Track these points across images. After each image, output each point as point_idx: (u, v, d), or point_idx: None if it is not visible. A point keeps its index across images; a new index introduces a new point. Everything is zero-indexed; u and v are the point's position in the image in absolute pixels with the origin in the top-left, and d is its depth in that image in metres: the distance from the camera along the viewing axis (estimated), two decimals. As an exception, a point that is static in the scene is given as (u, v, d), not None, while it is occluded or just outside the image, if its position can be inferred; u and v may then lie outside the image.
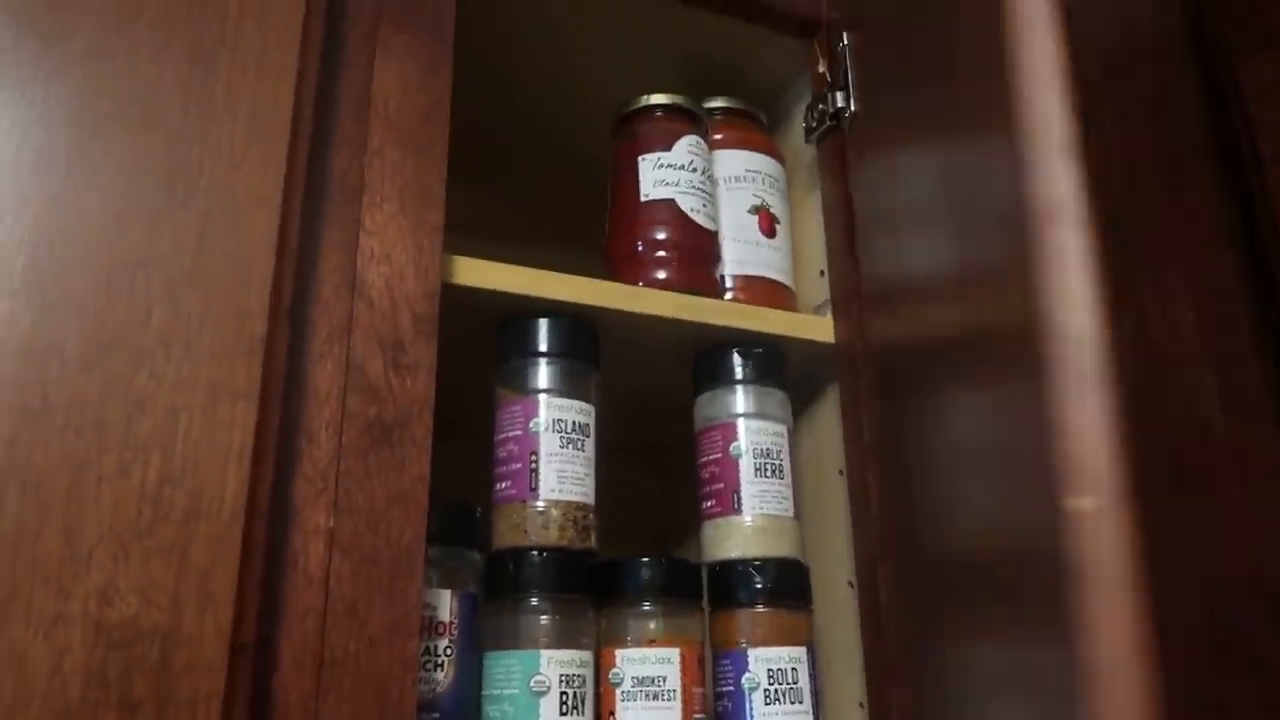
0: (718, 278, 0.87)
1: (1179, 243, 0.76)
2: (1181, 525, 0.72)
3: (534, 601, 0.69)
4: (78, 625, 0.49)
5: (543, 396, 0.73)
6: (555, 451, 0.71)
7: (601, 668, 0.71)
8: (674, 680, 0.69)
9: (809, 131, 0.92)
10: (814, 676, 0.75)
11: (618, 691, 0.70)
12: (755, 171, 0.92)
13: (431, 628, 0.68)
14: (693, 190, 0.85)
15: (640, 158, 0.86)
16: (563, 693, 0.66)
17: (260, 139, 0.62)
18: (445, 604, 0.69)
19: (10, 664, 0.48)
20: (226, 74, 0.62)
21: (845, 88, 0.85)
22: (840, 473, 0.83)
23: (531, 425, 0.72)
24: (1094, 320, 0.44)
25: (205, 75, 0.62)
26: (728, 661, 0.74)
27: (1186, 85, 0.86)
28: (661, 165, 0.85)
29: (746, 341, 0.83)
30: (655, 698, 0.69)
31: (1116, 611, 0.40)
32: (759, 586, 0.76)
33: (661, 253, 0.83)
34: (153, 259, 0.56)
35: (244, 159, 0.61)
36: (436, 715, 0.66)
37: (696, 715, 0.71)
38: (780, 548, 0.77)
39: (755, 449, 0.79)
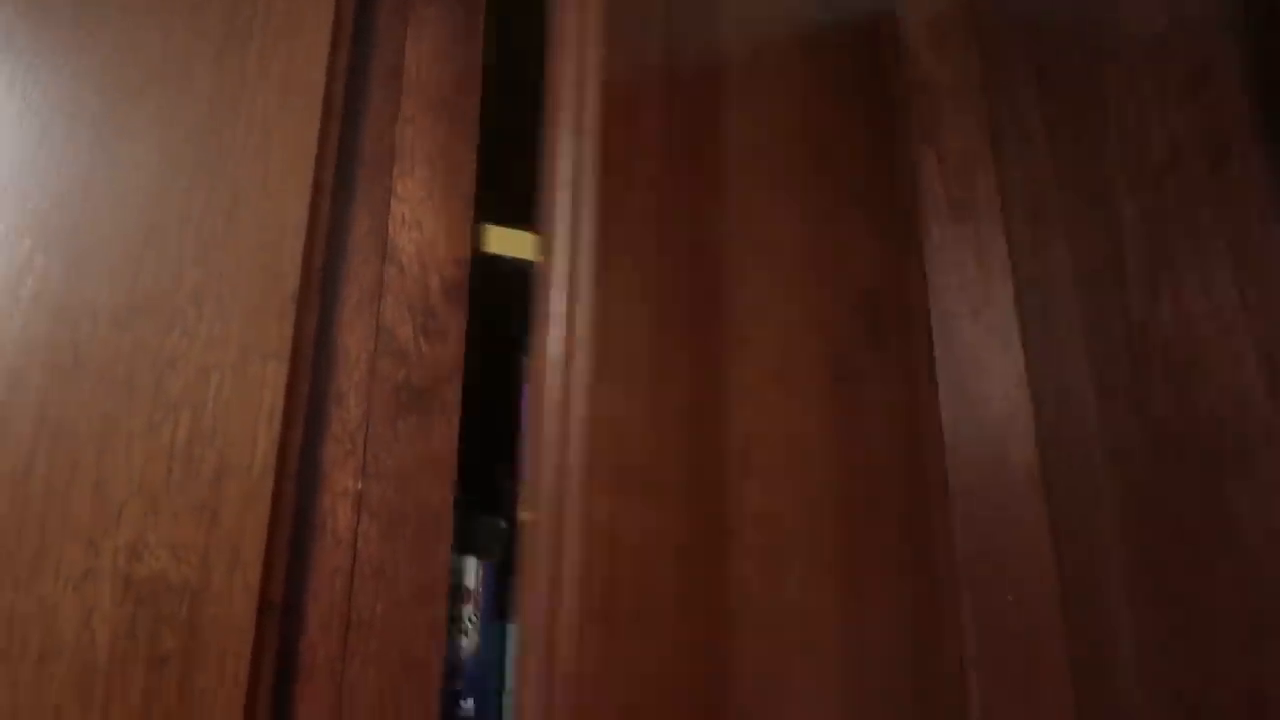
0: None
1: (1222, 218, 0.74)
2: (1215, 501, 0.71)
3: (561, 572, 0.69)
4: (107, 580, 0.50)
5: (571, 367, 0.73)
6: (583, 422, 0.71)
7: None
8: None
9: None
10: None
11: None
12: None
13: (457, 594, 0.68)
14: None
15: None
16: (588, 663, 0.66)
17: (293, 106, 0.62)
18: (472, 571, 0.69)
19: (40, 618, 0.48)
20: (259, 42, 0.63)
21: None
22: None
23: (560, 396, 0.72)
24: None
25: (239, 43, 0.62)
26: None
27: (1232, 57, 0.83)
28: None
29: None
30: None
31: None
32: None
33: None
34: (187, 219, 0.57)
35: (276, 125, 0.61)
36: (460, 681, 0.66)
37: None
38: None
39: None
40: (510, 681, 0.67)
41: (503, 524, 0.73)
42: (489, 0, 0.75)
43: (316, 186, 0.61)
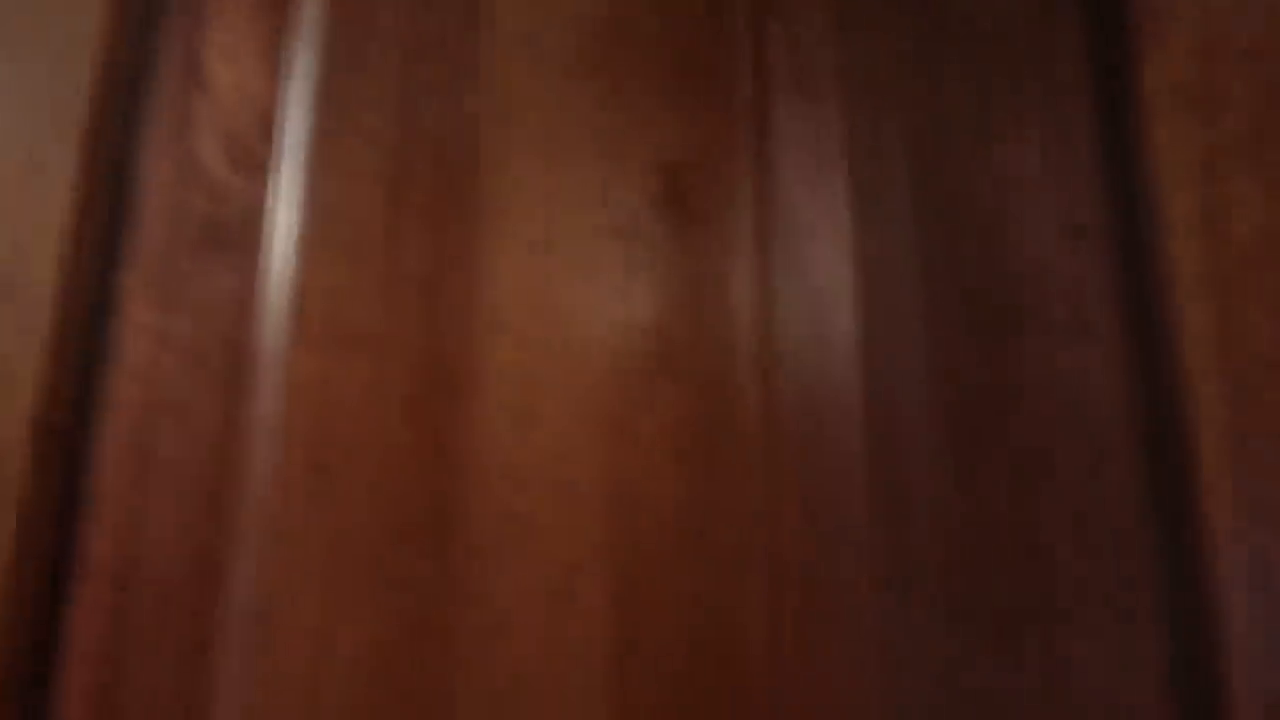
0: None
1: (1038, 90, 0.76)
2: (1013, 359, 0.74)
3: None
4: None
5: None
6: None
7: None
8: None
9: None
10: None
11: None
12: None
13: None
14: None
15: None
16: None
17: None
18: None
19: None
20: None
21: None
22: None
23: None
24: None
25: None
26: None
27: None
28: None
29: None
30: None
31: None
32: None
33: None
34: (-38, 21, 0.52)
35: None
36: (276, 530, 0.65)
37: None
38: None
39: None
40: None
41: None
42: None
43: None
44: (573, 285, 0.66)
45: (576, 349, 0.65)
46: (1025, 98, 0.75)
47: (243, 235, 0.59)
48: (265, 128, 0.61)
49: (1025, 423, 0.69)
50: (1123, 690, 0.63)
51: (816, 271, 0.78)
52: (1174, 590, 0.63)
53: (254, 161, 0.61)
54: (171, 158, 0.59)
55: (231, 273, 0.59)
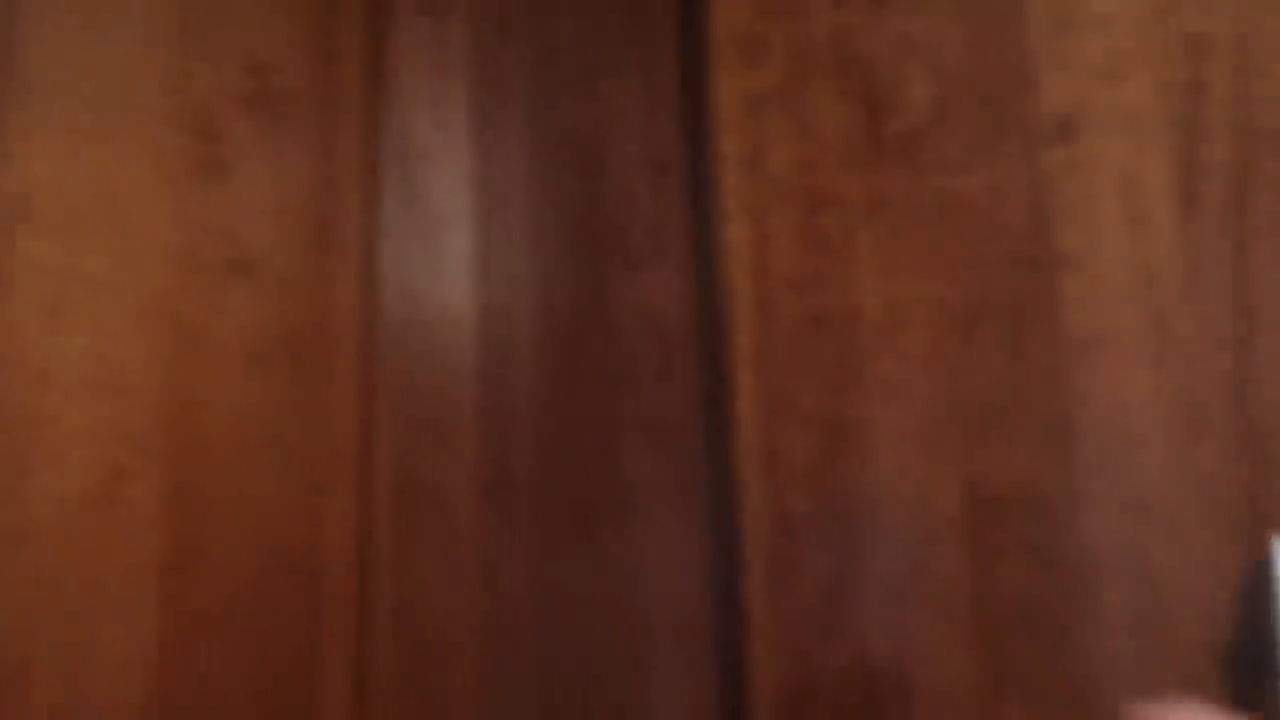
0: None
1: (635, 37, 0.82)
2: (607, 288, 0.80)
3: None
4: None
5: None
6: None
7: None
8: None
9: None
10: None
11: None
12: None
13: None
14: None
15: None
16: None
17: None
18: None
19: None
20: None
21: None
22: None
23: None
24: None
25: None
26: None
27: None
28: None
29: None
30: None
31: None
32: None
33: None
34: None
35: None
36: None
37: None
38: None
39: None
40: None
41: None
42: None
43: None
44: (132, 178, 0.62)
45: (135, 246, 0.62)
46: (626, 39, 0.80)
47: None
48: None
49: (611, 338, 0.75)
50: (678, 580, 0.72)
51: (432, 194, 0.79)
52: (715, 486, 0.71)
53: None
54: None
55: None
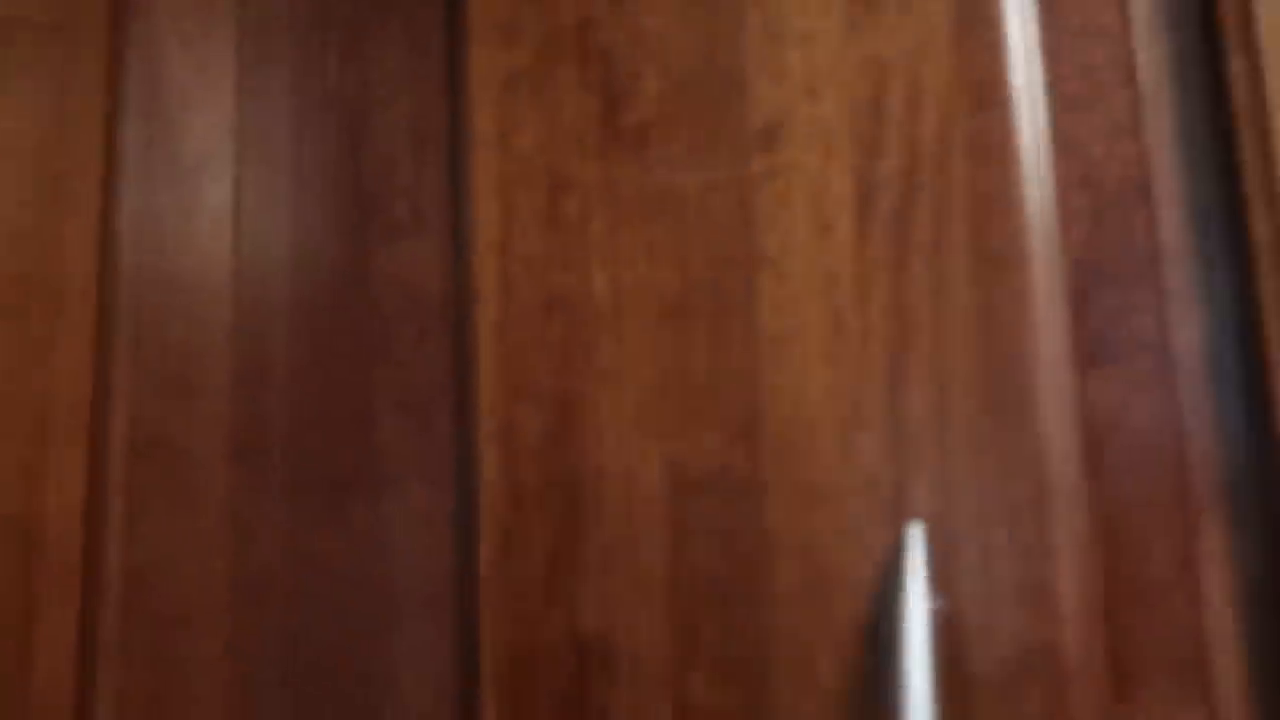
0: None
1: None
2: (368, 257, 0.80)
3: None
4: None
5: None
6: None
7: None
8: None
9: None
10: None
11: None
12: None
13: None
14: None
15: None
16: None
17: None
18: None
19: None
20: None
21: None
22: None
23: None
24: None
25: None
26: None
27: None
28: None
29: None
30: None
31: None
32: None
33: None
34: None
35: None
36: None
37: None
38: None
39: None
40: None
41: None
42: None
43: None
44: None
45: None
46: (395, 2, 0.79)
47: None
48: None
49: (370, 307, 0.75)
50: (427, 550, 0.73)
51: (186, 141, 0.77)
52: (461, 460, 0.73)
53: None
54: None
55: None
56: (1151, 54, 0.43)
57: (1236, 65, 0.39)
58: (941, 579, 0.48)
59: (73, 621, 0.68)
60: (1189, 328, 0.43)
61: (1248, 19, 0.39)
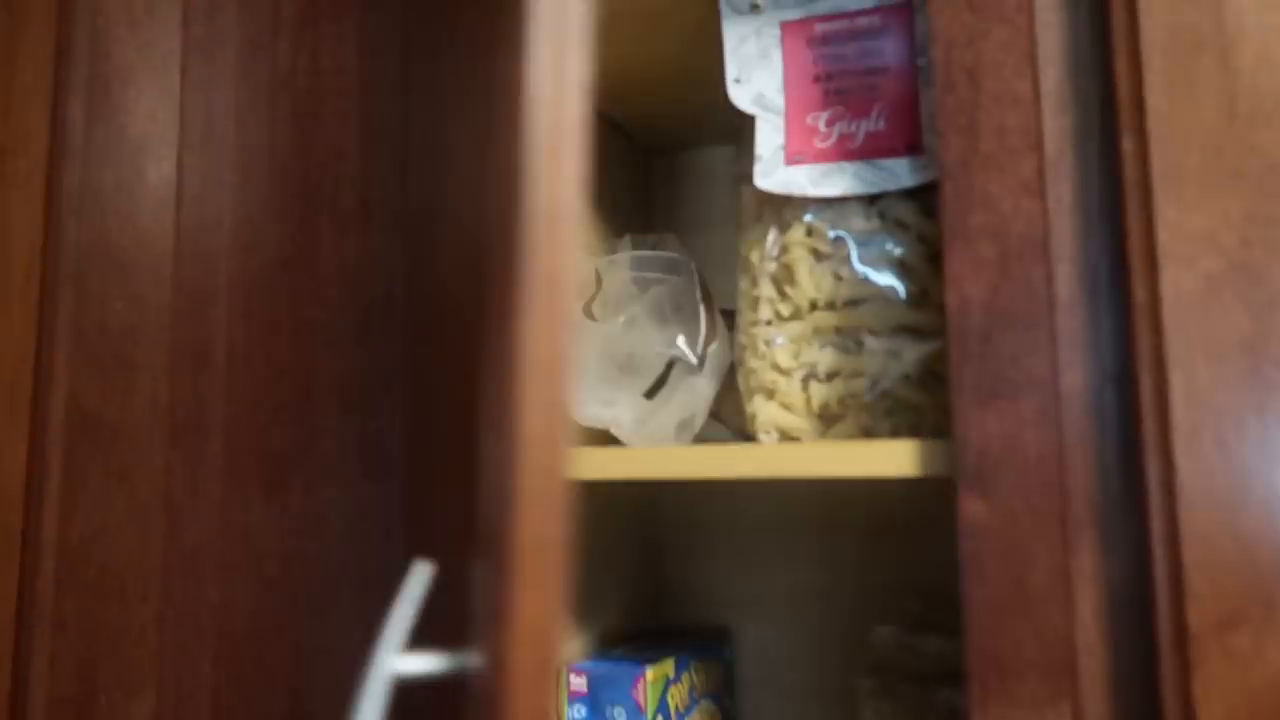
0: None
1: None
2: (317, 232, 0.82)
3: None
4: None
5: None
6: None
7: None
8: None
9: None
10: None
11: None
12: None
13: None
14: None
15: None
16: None
17: None
18: None
19: None
20: None
21: None
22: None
23: None
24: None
25: None
26: None
27: None
28: None
29: None
30: None
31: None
32: None
33: None
34: None
35: None
36: None
37: None
38: None
39: None
40: None
41: None
42: None
43: None
44: None
45: None
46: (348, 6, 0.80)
47: None
48: None
49: (314, 293, 0.77)
50: (361, 532, 0.75)
51: (130, 118, 0.77)
52: (402, 447, 0.76)
53: None
54: None
55: None
56: (1058, 123, 0.48)
57: (1127, 144, 0.44)
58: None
59: (11, 591, 0.69)
60: (1075, 371, 0.48)
61: (1140, 105, 0.44)
